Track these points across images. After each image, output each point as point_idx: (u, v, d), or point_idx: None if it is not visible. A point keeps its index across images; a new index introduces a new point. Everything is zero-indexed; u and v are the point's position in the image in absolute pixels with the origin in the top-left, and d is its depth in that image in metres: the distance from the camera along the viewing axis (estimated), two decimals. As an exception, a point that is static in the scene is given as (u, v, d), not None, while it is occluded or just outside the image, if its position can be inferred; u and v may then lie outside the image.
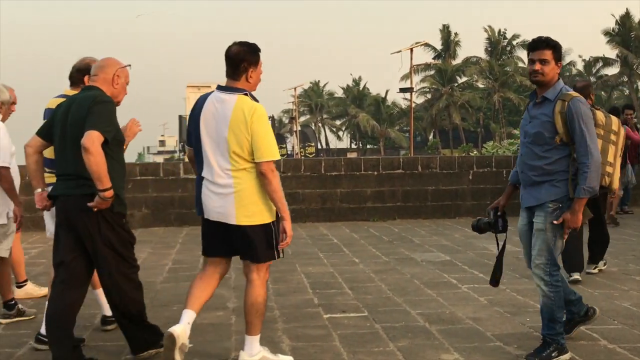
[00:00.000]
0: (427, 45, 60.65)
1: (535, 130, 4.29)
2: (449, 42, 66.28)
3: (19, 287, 6.14)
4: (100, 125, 4.00)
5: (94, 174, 3.95)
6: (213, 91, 4.14)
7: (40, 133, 4.36)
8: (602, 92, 63.96)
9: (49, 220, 4.89)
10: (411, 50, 29.84)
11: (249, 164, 4.00)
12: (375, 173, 11.79)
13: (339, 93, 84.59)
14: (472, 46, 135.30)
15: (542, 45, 4.34)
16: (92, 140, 3.94)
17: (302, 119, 78.93)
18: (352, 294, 6.21)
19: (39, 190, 4.34)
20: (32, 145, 4.33)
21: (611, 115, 4.42)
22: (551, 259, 4.28)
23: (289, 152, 57.48)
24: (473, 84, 67.45)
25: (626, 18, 55.83)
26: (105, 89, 4.27)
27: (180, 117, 36.64)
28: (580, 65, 70.17)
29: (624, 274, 6.92)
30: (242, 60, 4.07)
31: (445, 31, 66.22)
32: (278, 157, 4.06)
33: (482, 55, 65.83)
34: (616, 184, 4.78)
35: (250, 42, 4.14)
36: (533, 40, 4.41)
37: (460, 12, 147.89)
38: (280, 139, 67.01)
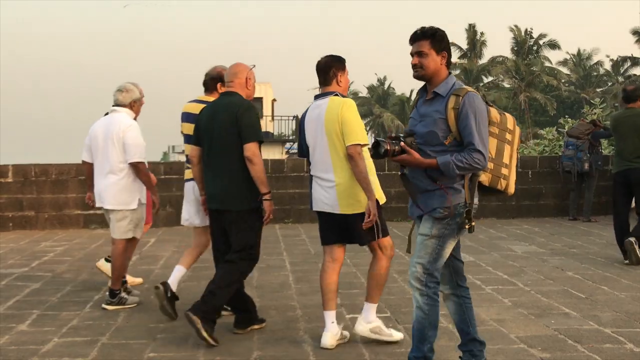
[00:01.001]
0: (452, 44, 60.34)
1: (427, 130, 3.79)
2: (474, 41, 65.79)
3: (108, 260, 6.55)
4: (254, 135, 4.74)
5: (257, 179, 4.77)
6: (311, 104, 4.75)
7: (195, 142, 4.97)
8: (631, 92, 63.13)
9: (188, 207, 5.55)
10: (436, 49, 29.69)
11: (344, 157, 4.52)
12: (399, 173, 11.71)
13: (364, 92, 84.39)
14: (498, 46, 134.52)
15: (418, 36, 3.80)
16: (253, 151, 4.70)
17: (327, 118, 78.86)
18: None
19: (203, 193, 5.06)
20: (194, 155, 4.97)
21: (506, 113, 3.92)
22: (431, 269, 3.75)
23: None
24: (499, 84, 66.92)
25: (655, 17, 55.20)
26: (241, 92, 4.89)
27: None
28: (608, 65, 69.36)
29: (652, 277, 6.82)
30: (330, 67, 4.65)
31: (471, 30, 65.77)
32: (365, 142, 4.52)
33: (508, 54, 65.28)
34: (512, 188, 3.96)
35: (336, 55, 4.75)
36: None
37: (486, 11, 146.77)
38: (305, 139, 67.18)
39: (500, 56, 65.17)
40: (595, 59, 69.86)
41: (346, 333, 4.79)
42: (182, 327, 5.15)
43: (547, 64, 64.68)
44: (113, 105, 5.95)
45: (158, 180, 10.94)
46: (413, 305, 3.84)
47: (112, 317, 5.52)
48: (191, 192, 5.48)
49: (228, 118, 4.74)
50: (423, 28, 3.82)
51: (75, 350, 4.68)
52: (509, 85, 65.41)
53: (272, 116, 37.85)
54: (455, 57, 65.03)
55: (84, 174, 6.33)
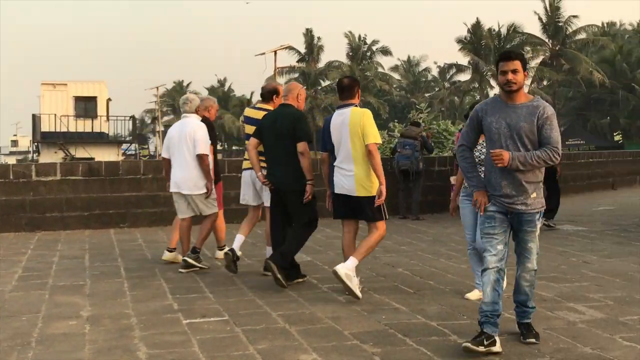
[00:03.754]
0: (290, 48, 61.12)
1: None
2: (312, 45, 67.18)
3: (220, 249, 8.10)
4: (305, 136, 6.44)
5: (306, 168, 6.40)
6: (334, 112, 6.25)
7: (256, 136, 6.68)
8: (455, 98, 67.06)
9: (245, 190, 7.36)
10: (275, 52, 29.98)
11: (363, 153, 5.95)
12: (239, 175, 11.73)
13: (203, 94, 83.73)
14: (335, 51, 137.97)
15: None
16: (305, 147, 6.40)
17: (166, 119, 77.33)
18: (213, 297, 6.16)
19: (259, 173, 6.62)
20: (252, 144, 6.69)
21: None
22: None
23: (151, 153, 56.04)
24: (335, 88, 68.79)
25: (477, 27, 58.82)
26: (294, 104, 6.66)
27: (34, 116, 34.95)
28: (435, 71, 73.32)
29: (471, 271, 7.27)
30: (353, 86, 6.23)
31: (309, 35, 67.09)
32: (380, 141, 6.05)
33: (344, 59, 67.26)
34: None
35: (353, 77, 7.08)
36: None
37: (323, 17, 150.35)
38: (142, 140, 65.33)
39: (337, 61, 66.96)
40: (423, 65, 73.74)
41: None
42: (5, 340, 4.87)
43: (380, 69, 67.33)
44: (183, 114, 7.56)
45: None
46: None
47: None
48: (248, 178, 7.26)
49: (287, 123, 6.40)
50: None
51: None
52: (344, 89, 67.24)
53: (107, 116, 36.53)
54: (293, 61, 65.99)
55: (164, 167, 7.82)
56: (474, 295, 5.99)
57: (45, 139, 34.30)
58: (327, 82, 67.48)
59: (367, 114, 6.06)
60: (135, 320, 5.43)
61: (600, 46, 59.97)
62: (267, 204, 6.95)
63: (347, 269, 5.89)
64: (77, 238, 10.10)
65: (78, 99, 35.52)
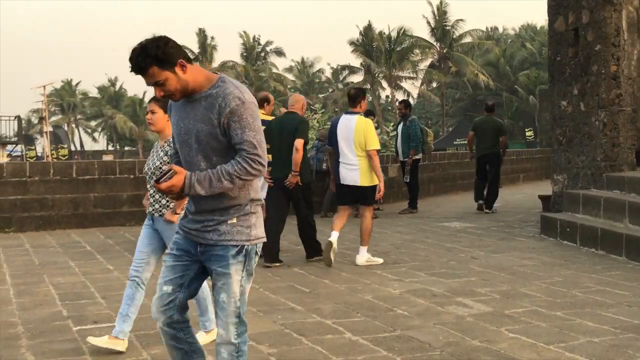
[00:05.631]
0: (184, 47, 60.34)
1: None
2: (205, 45, 66.48)
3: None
4: (304, 136, 7.68)
5: (295, 160, 7.55)
6: (342, 115, 7.92)
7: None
8: (349, 98, 68.03)
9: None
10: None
11: (364, 153, 7.54)
12: (132, 176, 11.51)
13: (94, 93, 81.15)
14: (228, 51, 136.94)
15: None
16: (301, 144, 7.59)
17: (53, 119, 74.42)
18: (105, 303, 6.01)
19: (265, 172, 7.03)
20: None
21: None
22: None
23: (38, 155, 53.84)
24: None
25: (368, 29, 59.87)
26: (299, 112, 7.94)
27: None
28: (328, 73, 74.16)
29: (367, 269, 7.44)
30: (358, 97, 7.85)
31: (202, 35, 66.36)
32: (379, 147, 7.69)
33: (239, 60, 66.97)
34: None
35: (360, 87, 8.68)
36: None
37: (216, 16, 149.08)
38: (29, 141, 62.61)
39: (231, 61, 66.56)
40: (317, 67, 74.40)
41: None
42: None
43: (274, 70, 67.42)
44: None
45: None
46: None
47: None
48: None
49: (293, 127, 7.66)
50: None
51: None
52: (239, 89, 66.95)
53: (-10, 117, 34.77)
54: (186, 61, 65.05)
55: None
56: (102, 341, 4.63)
57: None
58: (222, 82, 66.87)
59: (369, 123, 7.74)
60: (22, 329, 5.22)
61: (485, 50, 62.45)
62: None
63: (363, 259, 7.63)
64: (-42, 245, 9.58)
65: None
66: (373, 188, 7.63)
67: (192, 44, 65.28)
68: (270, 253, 7.60)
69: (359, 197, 7.70)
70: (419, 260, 7.95)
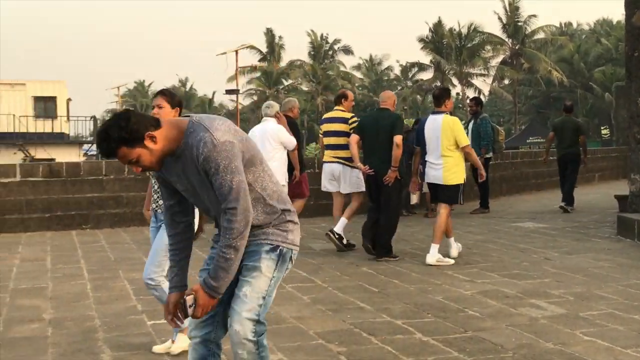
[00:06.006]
0: (252, 47, 60.96)
1: None
2: (273, 45, 67.06)
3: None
4: (401, 131, 7.90)
5: (395, 156, 7.75)
6: (429, 116, 7.99)
7: (357, 133, 8.14)
8: (418, 96, 67.53)
9: (325, 179, 8.90)
10: (236, 52, 29.93)
11: (450, 151, 7.63)
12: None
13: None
14: (296, 50, 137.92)
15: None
16: (400, 140, 7.77)
17: (126, 119, 76.35)
18: (177, 299, 6.11)
19: (360, 163, 8.13)
20: (354, 139, 8.11)
21: None
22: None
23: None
24: (297, 87, 68.74)
25: (438, 26, 59.29)
26: (391, 108, 8.17)
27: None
28: (397, 70, 73.77)
29: (438, 269, 7.36)
30: (442, 96, 7.96)
31: (270, 34, 66.97)
32: (468, 142, 7.81)
33: (306, 59, 67.27)
34: None
35: (444, 87, 8.64)
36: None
37: (283, 16, 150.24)
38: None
39: (298, 60, 66.93)
40: (385, 64, 74.05)
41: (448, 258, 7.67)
42: (-34, 345, 4.79)
43: (342, 68, 67.44)
44: (264, 117, 8.69)
45: None
46: None
47: None
48: (328, 169, 8.76)
49: (388, 122, 7.87)
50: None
51: None
52: (307, 89, 67.33)
53: (68, 116, 36.01)
54: (255, 60, 65.81)
55: None
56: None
57: (3, 139, 33.68)
58: (289, 81, 67.41)
59: (456, 121, 7.75)
60: (99, 322, 5.37)
61: (558, 46, 60.98)
62: (344, 191, 8.72)
63: (433, 256, 7.55)
64: (39, 240, 9.94)
65: (37, 99, 34.97)
66: (456, 187, 7.71)
67: (260, 44, 66.02)
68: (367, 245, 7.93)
69: (439, 194, 7.81)
70: (491, 261, 7.82)
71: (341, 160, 8.61)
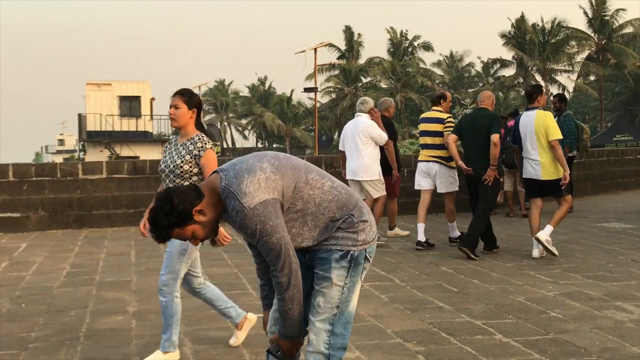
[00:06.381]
0: (330, 45, 61.15)
1: None
2: (352, 42, 67.02)
3: (390, 229, 9.62)
4: (498, 130, 7.96)
5: (493, 155, 7.90)
6: (523, 113, 8.11)
7: (455, 132, 8.33)
8: (500, 93, 66.28)
9: (419, 177, 8.94)
10: (315, 50, 30.02)
11: (546, 148, 7.71)
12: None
13: (245, 92, 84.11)
14: (375, 47, 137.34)
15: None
16: (497, 139, 7.90)
17: (207, 117, 78.00)
18: (255, 294, 6.19)
19: (460, 162, 8.26)
20: (452, 139, 8.30)
21: None
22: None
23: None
24: (376, 84, 68.50)
25: (521, 21, 57.93)
26: (489, 108, 8.29)
27: (80, 115, 35.58)
28: (478, 66, 72.50)
29: (519, 269, 7.20)
30: (534, 93, 8.06)
31: (348, 32, 66.96)
32: (560, 137, 7.79)
33: (385, 56, 66.94)
34: None
35: (536, 84, 8.75)
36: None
37: (362, 13, 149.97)
38: (185, 138, 65.51)
39: (377, 57, 66.67)
40: (466, 61, 72.82)
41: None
42: (54, 335, 4.98)
43: (421, 65, 66.75)
44: (357, 112, 8.86)
45: (28, 182, 10.53)
46: None
47: (-21, 327, 5.24)
48: (424, 168, 8.83)
49: (486, 122, 8.01)
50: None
51: (-62, 364, 4.41)
52: (386, 86, 66.99)
53: (151, 115, 37.00)
54: (333, 58, 65.95)
55: (341, 159, 9.30)
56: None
57: (90, 138, 34.91)
58: (368, 79, 67.21)
59: (549, 115, 7.85)
60: (180, 316, 5.48)
61: (648, 40, 58.63)
62: (439, 190, 8.83)
63: (546, 235, 7.65)
64: (123, 235, 10.25)
65: (122, 99, 36.08)
66: (558, 181, 7.74)
67: (338, 42, 66.13)
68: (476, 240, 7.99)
69: (548, 191, 7.90)
70: (575, 262, 7.59)
71: (438, 160, 8.73)
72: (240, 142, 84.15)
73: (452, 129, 8.51)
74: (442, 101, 8.93)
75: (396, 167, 9.08)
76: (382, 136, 8.63)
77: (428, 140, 8.83)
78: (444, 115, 8.81)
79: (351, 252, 2.95)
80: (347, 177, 8.82)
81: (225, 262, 7.83)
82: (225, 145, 74.10)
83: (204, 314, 5.53)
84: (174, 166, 4.32)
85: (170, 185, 4.34)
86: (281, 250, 2.77)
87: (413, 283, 6.57)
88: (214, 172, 2.93)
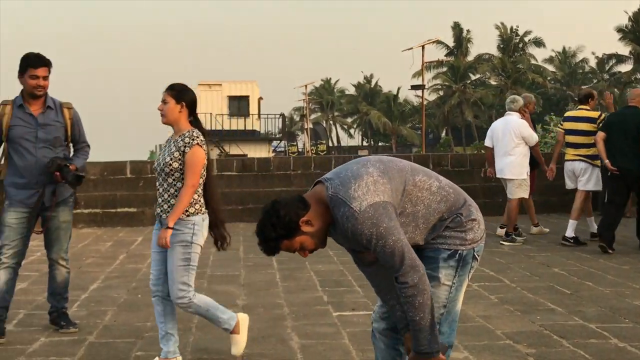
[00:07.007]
0: (438, 42, 60.36)
1: None
2: (460, 39, 65.99)
3: (535, 226, 9.57)
4: None
5: None
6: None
7: (603, 130, 8.14)
8: (615, 89, 63.53)
9: (568, 179, 8.92)
10: (422, 47, 29.74)
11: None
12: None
13: (351, 90, 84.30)
14: (484, 43, 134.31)
15: None
16: None
17: (313, 116, 78.79)
18: (361, 291, 6.20)
19: (607, 161, 7.97)
20: (600, 136, 8.09)
21: None
22: None
23: (299, 150, 57.32)
24: (485, 81, 67.17)
25: (638, 15, 55.40)
26: (639, 105, 8.09)
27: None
28: (593, 62, 69.74)
29: (636, 272, 6.88)
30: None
31: (457, 28, 65.97)
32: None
33: (495, 52, 65.51)
34: None
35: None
36: None
37: (471, 9, 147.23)
38: (291, 137, 66.79)
39: (487, 54, 65.37)
40: (580, 57, 70.19)
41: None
42: (169, 325, 5.16)
43: (532, 61, 64.91)
44: (507, 111, 8.93)
45: (145, 178, 10.96)
46: None
47: (99, 315, 5.51)
48: (570, 168, 8.78)
49: (635, 121, 7.91)
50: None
51: (62, 349, 4.67)
52: (495, 83, 65.60)
53: (259, 114, 37.77)
54: (441, 55, 65.18)
55: (486, 156, 9.36)
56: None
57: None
58: (477, 76, 65.96)
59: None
60: (287, 310, 5.57)
61: None
62: (584, 188, 8.68)
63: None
64: (232, 231, 10.37)
65: (232, 99, 37.00)
66: None
67: (446, 38, 65.28)
68: (608, 239, 7.94)
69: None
70: (698, 265, 7.17)
71: (584, 159, 8.65)
72: (345, 141, 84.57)
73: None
74: (589, 100, 8.85)
75: (543, 163, 9.09)
76: (533, 136, 8.74)
77: (575, 139, 8.72)
78: (595, 114, 8.67)
79: (459, 252, 2.88)
80: (498, 176, 9.02)
81: (331, 259, 7.88)
82: (330, 144, 74.63)
83: (310, 310, 5.59)
84: (164, 164, 4.20)
85: (164, 184, 4.26)
86: (401, 253, 2.67)
87: (523, 284, 6.40)
88: (317, 183, 2.87)
